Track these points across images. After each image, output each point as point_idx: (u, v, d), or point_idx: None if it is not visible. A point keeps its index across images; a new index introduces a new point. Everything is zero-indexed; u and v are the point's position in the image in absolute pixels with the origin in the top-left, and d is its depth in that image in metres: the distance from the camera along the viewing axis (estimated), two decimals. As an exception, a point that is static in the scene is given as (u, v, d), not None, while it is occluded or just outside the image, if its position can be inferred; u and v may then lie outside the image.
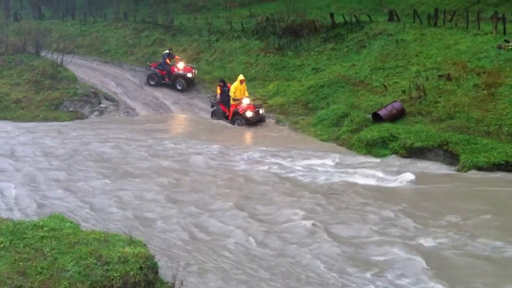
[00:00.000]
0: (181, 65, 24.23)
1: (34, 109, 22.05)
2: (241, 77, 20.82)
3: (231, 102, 20.56)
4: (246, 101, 20.43)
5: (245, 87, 20.88)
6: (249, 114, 20.22)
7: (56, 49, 26.93)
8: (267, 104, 21.31)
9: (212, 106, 21.56)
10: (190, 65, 24.79)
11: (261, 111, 20.50)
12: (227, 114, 20.86)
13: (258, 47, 25.80)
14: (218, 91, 21.22)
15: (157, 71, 24.66)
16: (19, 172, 14.94)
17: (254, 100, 20.85)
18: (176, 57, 24.79)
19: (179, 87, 24.20)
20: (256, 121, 20.38)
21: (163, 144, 17.89)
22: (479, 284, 9.39)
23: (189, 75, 24.18)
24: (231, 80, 23.77)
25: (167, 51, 24.72)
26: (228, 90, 20.82)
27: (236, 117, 20.48)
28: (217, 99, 21.30)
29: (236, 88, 20.49)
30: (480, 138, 16.07)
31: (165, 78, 24.49)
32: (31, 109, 22.04)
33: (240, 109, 20.34)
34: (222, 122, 20.96)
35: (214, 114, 21.35)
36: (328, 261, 10.10)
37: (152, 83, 24.89)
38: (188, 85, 24.31)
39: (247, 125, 20.22)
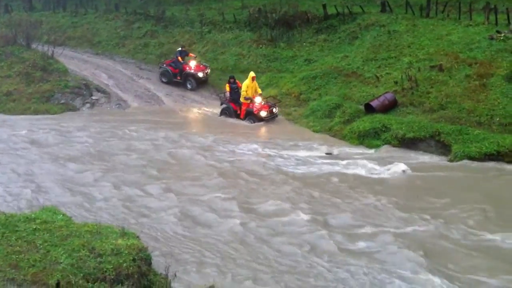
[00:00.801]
0: (193, 63, 23.34)
1: (25, 101, 21.90)
2: (252, 74, 19.95)
3: (242, 100, 19.77)
4: (258, 100, 19.60)
5: (257, 84, 20.07)
6: (263, 113, 19.46)
7: (47, 41, 26.75)
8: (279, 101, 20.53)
9: (221, 104, 20.64)
10: (204, 64, 23.88)
11: (275, 110, 19.73)
12: (238, 112, 20.05)
13: (251, 39, 25.73)
14: (227, 88, 20.37)
15: (169, 68, 23.85)
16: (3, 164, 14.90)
17: (267, 98, 20.10)
18: (190, 54, 23.88)
19: (189, 86, 23.40)
20: (270, 119, 19.65)
21: (154, 135, 17.83)
22: (470, 273, 9.47)
23: (200, 74, 23.21)
24: (224, 71, 23.81)
25: (180, 49, 23.87)
26: (238, 87, 20.08)
27: (250, 117, 19.74)
28: (226, 97, 20.44)
29: (248, 86, 19.67)
30: (471, 128, 16.14)
31: (177, 76, 23.68)
32: (22, 101, 21.89)
33: (255, 109, 19.54)
34: (216, 115, 20.91)
35: (223, 113, 20.46)
36: (320, 251, 10.14)
37: (164, 80, 24.12)
38: (200, 84, 23.47)
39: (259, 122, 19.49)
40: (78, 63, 26.59)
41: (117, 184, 13.57)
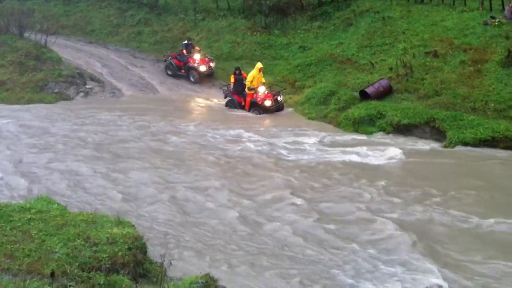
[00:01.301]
0: (197, 56, 22.63)
1: (19, 91, 21.75)
2: (259, 65, 19.26)
3: (247, 91, 19.19)
4: (262, 89, 19.02)
5: (262, 75, 19.34)
6: (268, 103, 18.86)
7: (39, 29, 26.50)
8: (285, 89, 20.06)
9: (225, 97, 20.10)
10: (209, 57, 23.15)
11: (279, 98, 19.15)
12: (243, 104, 19.48)
13: (245, 26, 25.60)
14: (232, 79, 19.78)
15: (173, 61, 23.29)
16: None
17: (270, 87, 19.58)
18: (196, 48, 23.20)
19: (192, 80, 22.78)
20: (275, 110, 19.06)
21: (146, 125, 17.77)
22: (464, 258, 9.52)
23: (202, 68, 22.47)
24: (219, 59, 23.65)
25: (185, 42, 23.29)
26: (243, 78, 19.47)
27: (255, 108, 19.16)
28: (230, 89, 19.89)
29: (254, 77, 19.04)
30: (466, 114, 16.16)
31: (181, 69, 23.11)
32: (16, 91, 21.74)
33: (258, 99, 18.98)
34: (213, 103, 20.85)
35: (228, 105, 19.94)
36: (314, 238, 10.17)
37: (169, 73, 23.60)
38: (205, 78, 22.66)
39: (265, 114, 18.93)
40: (71, 51, 26.42)
41: (109, 172, 13.51)
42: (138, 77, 23.77)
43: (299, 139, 16.23)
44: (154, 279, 8.11)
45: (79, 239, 8.05)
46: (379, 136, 16.36)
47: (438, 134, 15.95)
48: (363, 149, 14.97)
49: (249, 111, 19.38)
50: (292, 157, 14.82)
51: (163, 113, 19.24)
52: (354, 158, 14.52)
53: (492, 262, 9.34)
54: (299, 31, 24.37)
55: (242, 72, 19.79)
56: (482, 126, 15.36)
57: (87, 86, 22.62)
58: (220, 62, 23.37)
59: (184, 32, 26.47)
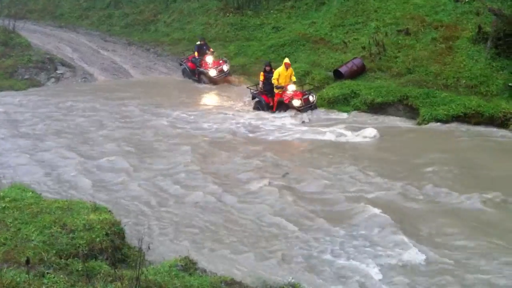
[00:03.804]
0: (209, 59, 20.32)
1: (-13, 78, 21.34)
2: (286, 60, 17.03)
3: (275, 90, 16.98)
4: (291, 88, 16.82)
5: (292, 72, 17.08)
6: (296, 103, 16.64)
7: (7, 15, 26.00)
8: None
9: (253, 98, 17.75)
10: (224, 58, 20.92)
11: (311, 98, 16.90)
12: (271, 104, 17.25)
13: (217, 7, 25.41)
14: (261, 77, 17.39)
15: (187, 65, 21.13)
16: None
17: (302, 86, 17.44)
18: (210, 49, 20.83)
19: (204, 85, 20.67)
20: (307, 110, 16.85)
21: (123, 109, 17.60)
22: (438, 233, 9.67)
23: (212, 73, 20.11)
24: (192, 42, 23.42)
25: (198, 42, 20.96)
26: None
27: (282, 108, 17.07)
28: (259, 88, 17.55)
29: (281, 74, 16.76)
30: (438, 91, 16.35)
31: (195, 74, 20.95)
32: (-16, 78, 21.33)
33: (286, 98, 16.85)
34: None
35: (256, 107, 17.64)
36: (293, 218, 10.21)
37: (186, 78, 21.45)
38: (219, 82, 20.50)
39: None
40: (40, 36, 25.95)
41: (83, 158, 13.34)
42: (110, 61, 23.47)
43: (275, 119, 16.26)
44: (133, 264, 8.07)
45: (55, 226, 7.94)
46: (353, 115, 16.47)
47: (411, 111, 16.13)
48: (338, 128, 15.08)
49: (274, 112, 17.15)
50: (268, 136, 14.84)
51: (142, 98, 19.05)
52: (329, 137, 14.61)
53: (467, 237, 9.50)
54: (272, 11, 24.26)
55: (272, 69, 17.34)
56: (454, 102, 15.57)
57: (58, 72, 22.26)
58: (193, 44, 23.16)
59: (155, 14, 26.17)
